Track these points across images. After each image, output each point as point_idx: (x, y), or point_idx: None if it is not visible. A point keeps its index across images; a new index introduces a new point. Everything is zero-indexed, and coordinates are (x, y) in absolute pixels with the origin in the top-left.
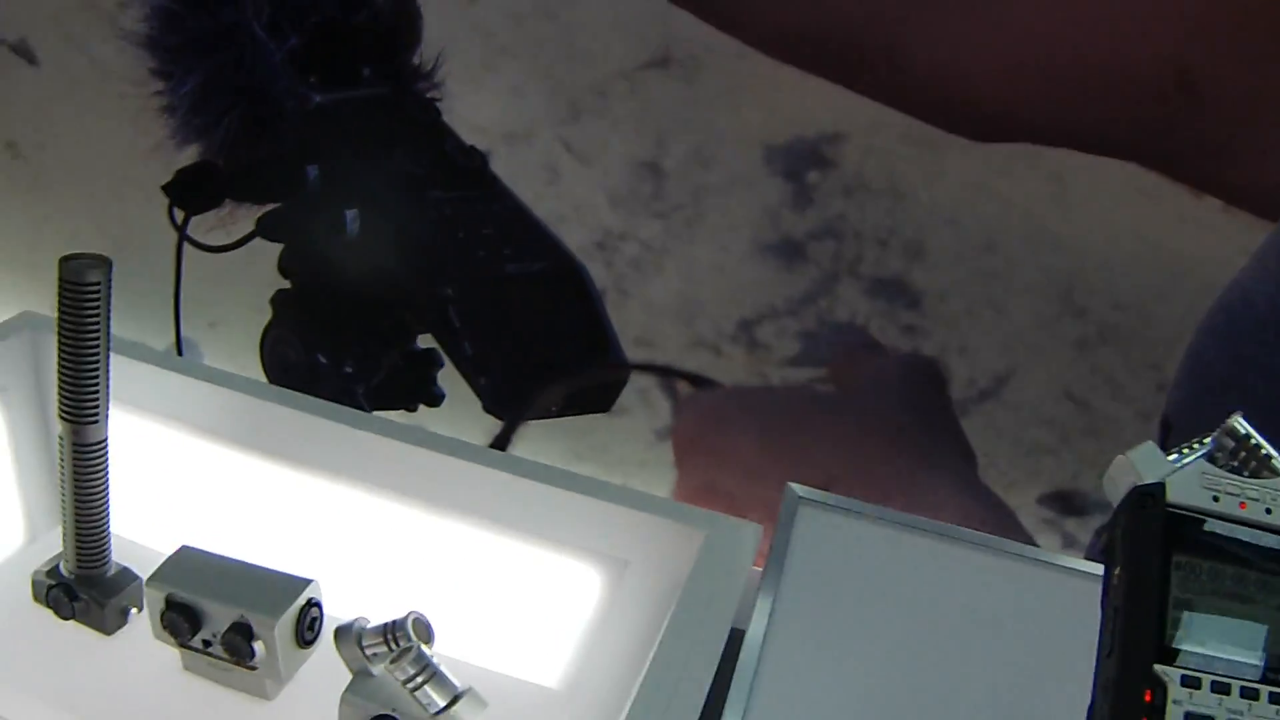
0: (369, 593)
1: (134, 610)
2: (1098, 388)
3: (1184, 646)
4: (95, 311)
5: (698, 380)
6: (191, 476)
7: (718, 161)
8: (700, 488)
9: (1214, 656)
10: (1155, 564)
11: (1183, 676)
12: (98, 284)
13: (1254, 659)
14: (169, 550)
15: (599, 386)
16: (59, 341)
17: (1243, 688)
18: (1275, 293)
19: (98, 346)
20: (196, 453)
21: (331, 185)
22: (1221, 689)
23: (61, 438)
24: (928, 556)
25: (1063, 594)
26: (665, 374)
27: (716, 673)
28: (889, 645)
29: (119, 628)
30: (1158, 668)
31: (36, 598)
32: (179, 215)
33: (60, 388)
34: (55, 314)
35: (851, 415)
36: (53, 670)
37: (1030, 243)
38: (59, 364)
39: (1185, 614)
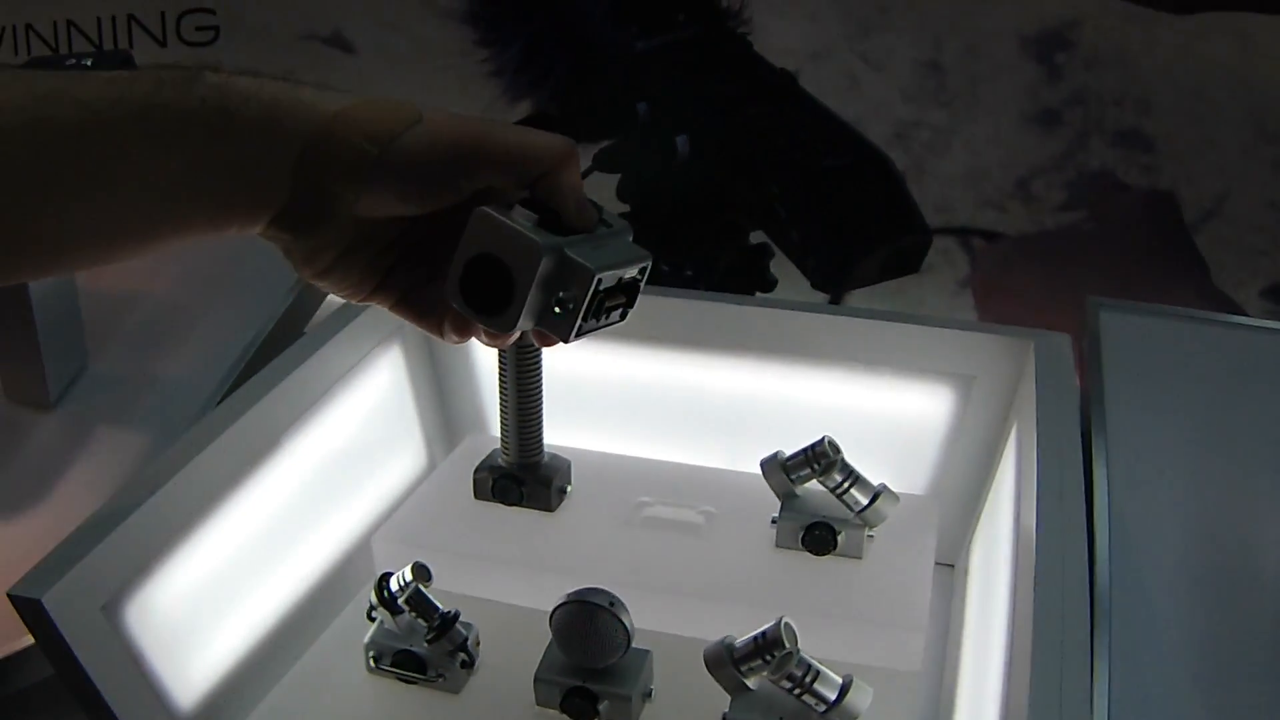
0: (762, 434)
1: (568, 487)
2: None
3: None
4: None
5: (989, 234)
6: (585, 373)
7: (984, 54)
8: (998, 322)
9: None
10: None
11: None
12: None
13: None
14: (576, 443)
15: (908, 252)
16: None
17: None
18: None
19: None
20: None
21: (660, 117)
22: None
23: (504, 349)
24: (1215, 343)
25: None
26: (961, 233)
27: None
28: (1202, 418)
29: (560, 505)
30: None
31: (479, 494)
32: None
33: None
34: None
35: (1111, 245)
36: (512, 546)
37: (1228, 89)
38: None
39: None
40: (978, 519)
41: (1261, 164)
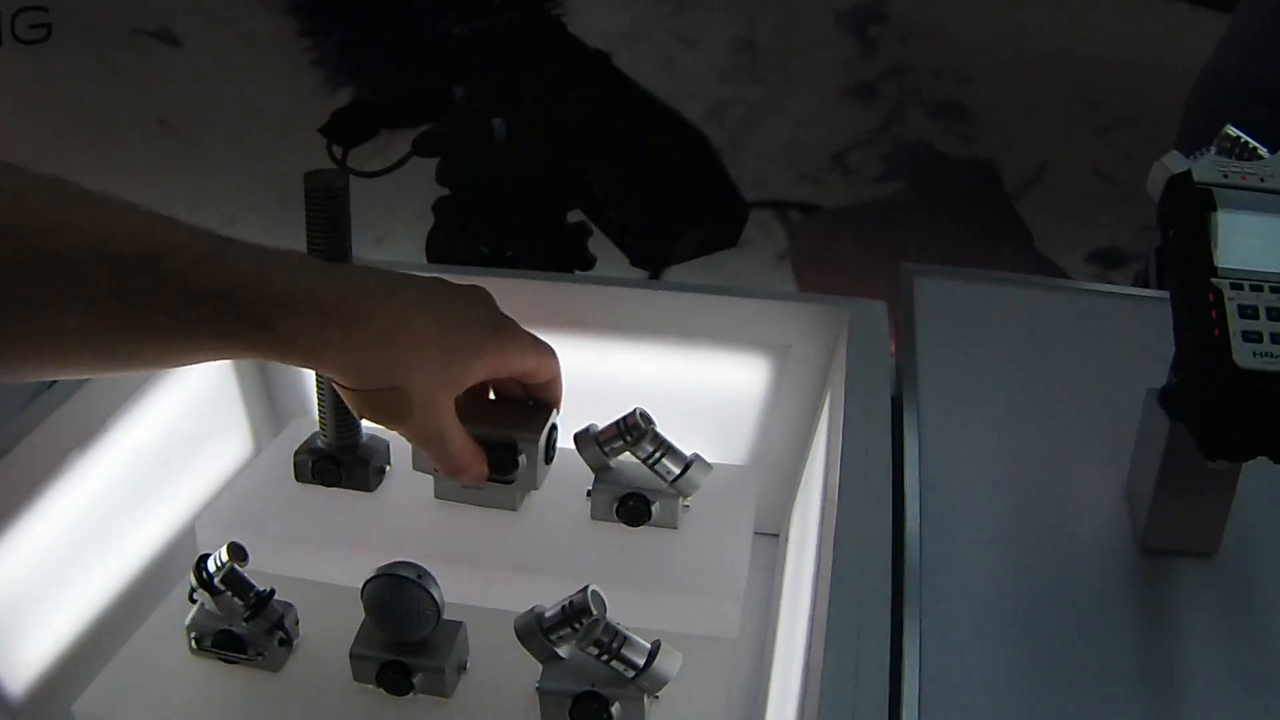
0: (584, 410)
1: (387, 467)
2: (1118, 163)
3: (1226, 265)
4: (342, 213)
5: (806, 207)
6: None
7: (798, 29)
8: (818, 292)
9: (1248, 269)
10: (1195, 217)
11: (1230, 282)
12: (341, 189)
13: (1270, 267)
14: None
15: (726, 226)
16: (310, 241)
17: (1271, 285)
18: (1240, 64)
19: (345, 242)
20: None
21: (478, 101)
22: (1257, 288)
23: None
24: (1028, 306)
25: (1138, 314)
26: (779, 206)
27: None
28: (1014, 380)
29: (378, 485)
30: (1213, 280)
31: (300, 477)
32: (338, 151)
33: None
34: (305, 221)
35: (930, 216)
36: (331, 528)
37: (1047, 57)
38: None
39: (1221, 248)
40: (798, 488)
41: (1084, 131)
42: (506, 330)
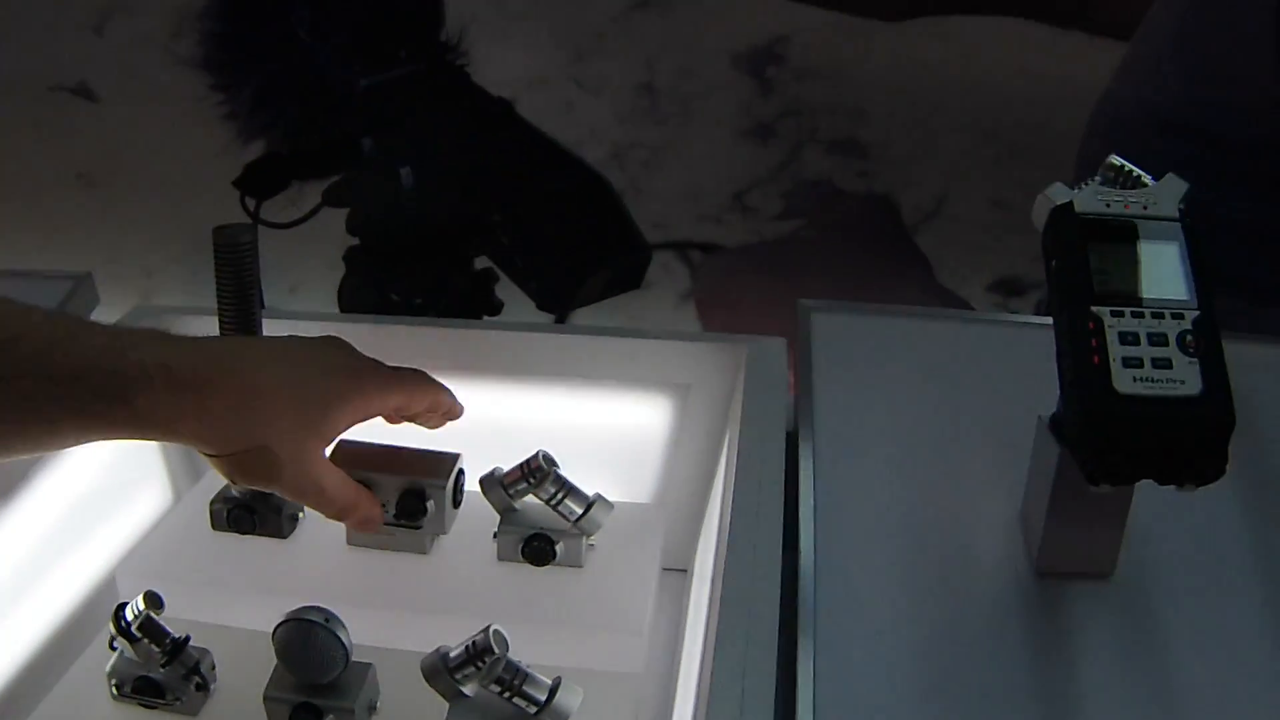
0: (492, 453)
1: (300, 515)
2: (1016, 193)
3: (1106, 292)
4: (250, 265)
5: (707, 247)
6: None
7: (697, 73)
8: (722, 331)
9: (1127, 293)
10: (1076, 247)
11: (1111, 311)
12: (249, 243)
13: (1149, 294)
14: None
15: (629, 269)
16: (220, 293)
17: (1152, 312)
18: (1136, 94)
19: (253, 294)
20: None
21: (385, 150)
22: (1137, 314)
23: None
24: (925, 337)
25: (1037, 342)
26: (680, 247)
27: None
28: (912, 411)
29: (292, 531)
30: (1093, 308)
31: (216, 525)
32: (251, 203)
33: (223, 331)
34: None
35: (830, 250)
36: (247, 574)
37: (944, 92)
38: (221, 313)
39: (1102, 276)
40: (703, 524)
41: (981, 162)
42: (364, 373)
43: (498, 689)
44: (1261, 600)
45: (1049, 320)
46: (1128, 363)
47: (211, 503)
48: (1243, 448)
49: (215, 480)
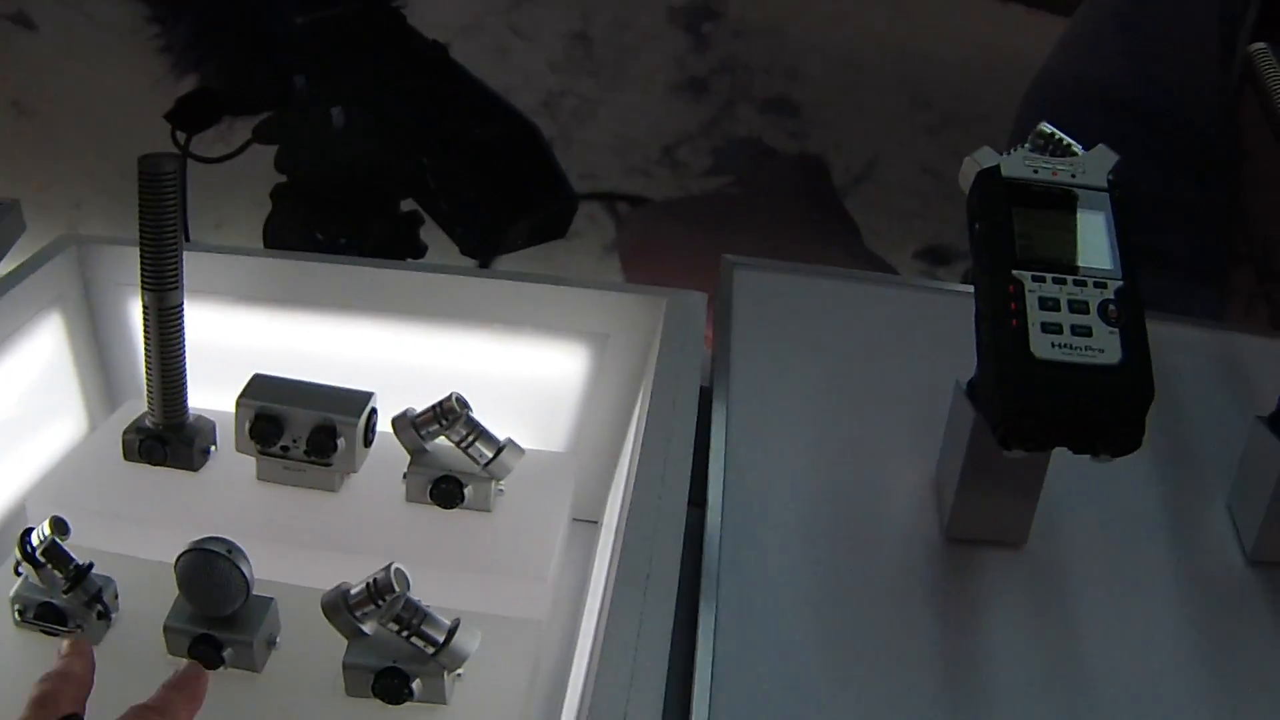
0: (407, 395)
1: (213, 448)
2: (948, 161)
3: (1028, 257)
4: (172, 196)
5: (634, 199)
6: (228, 337)
7: (633, 25)
8: (646, 284)
9: (1050, 259)
10: (1001, 211)
11: (1032, 276)
12: (172, 173)
13: (1073, 262)
14: (222, 405)
15: (555, 217)
16: (141, 224)
17: (1075, 279)
18: (1077, 70)
19: (175, 225)
20: (226, 316)
21: (317, 89)
22: (1059, 281)
23: (146, 307)
24: (846, 297)
25: (962, 310)
26: (607, 198)
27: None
28: (830, 373)
29: (203, 464)
30: (1014, 272)
31: (128, 455)
32: (181, 137)
33: (143, 262)
34: (137, 203)
35: (758, 209)
36: (155, 505)
37: (881, 56)
38: (141, 243)
39: (1025, 241)
40: (615, 476)
41: (914, 129)
42: None
43: (396, 627)
44: (1172, 577)
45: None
46: (1046, 328)
47: (125, 433)
48: (1163, 425)
49: (131, 410)
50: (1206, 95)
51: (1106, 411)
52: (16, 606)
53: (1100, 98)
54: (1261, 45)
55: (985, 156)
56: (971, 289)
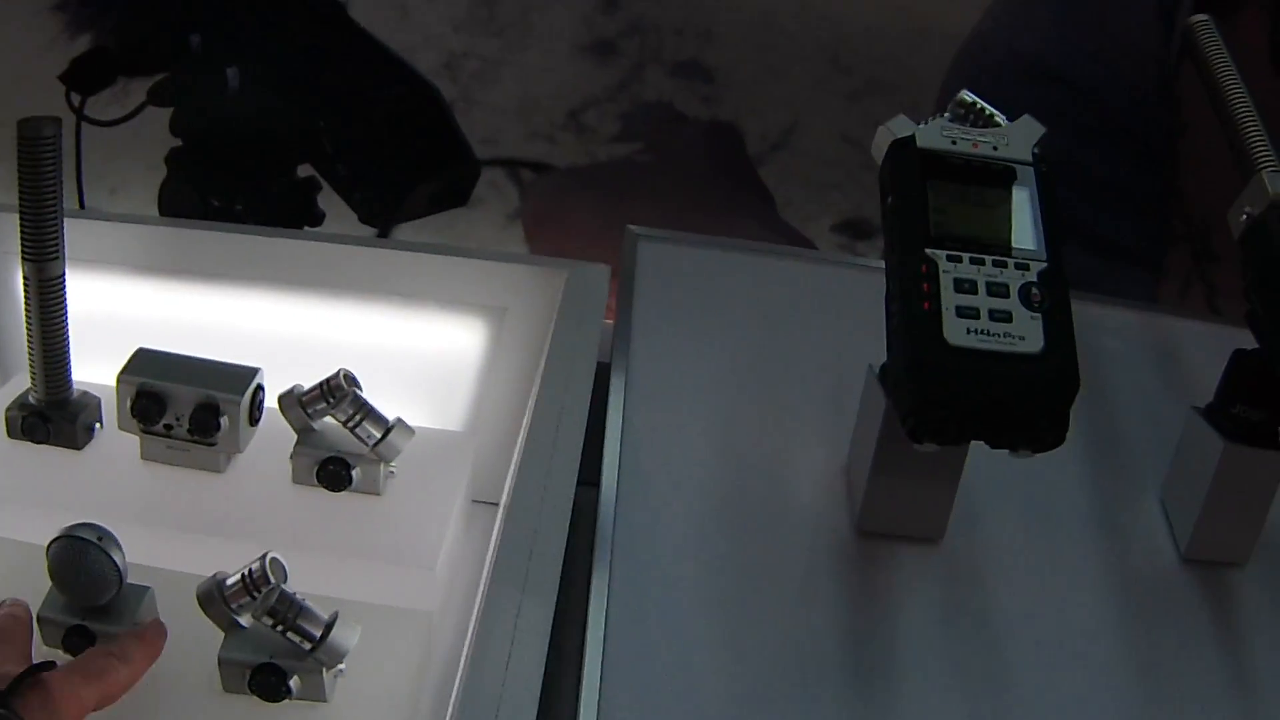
0: (298, 372)
1: (98, 425)
2: (869, 131)
3: (944, 235)
4: (51, 162)
5: (538, 166)
6: (118, 308)
7: None
8: (549, 255)
9: (967, 238)
10: (915, 184)
11: (947, 255)
12: (52, 137)
13: (993, 241)
14: (106, 379)
15: (456, 184)
16: (20, 191)
17: (994, 260)
18: (1008, 38)
19: (54, 193)
20: (115, 286)
21: (212, 49)
22: (977, 261)
23: (26, 278)
24: (757, 271)
25: (872, 285)
26: (510, 165)
27: (591, 401)
28: (738, 351)
29: (87, 443)
30: (928, 250)
31: (10, 433)
32: (76, 99)
33: (23, 231)
34: (15, 168)
35: (668, 177)
36: (37, 485)
37: (799, 18)
38: (20, 211)
39: (940, 217)
40: (514, 455)
41: (834, 96)
42: None
43: (270, 621)
44: (1100, 575)
45: None
46: (962, 312)
47: (6, 409)
48: (1089, 414)
49: (15, 387)
50: (1145, 68)
51: (1026, 404)
52: None
53: (1031, 68)
54: (1203, 17)
55: (900, 126)
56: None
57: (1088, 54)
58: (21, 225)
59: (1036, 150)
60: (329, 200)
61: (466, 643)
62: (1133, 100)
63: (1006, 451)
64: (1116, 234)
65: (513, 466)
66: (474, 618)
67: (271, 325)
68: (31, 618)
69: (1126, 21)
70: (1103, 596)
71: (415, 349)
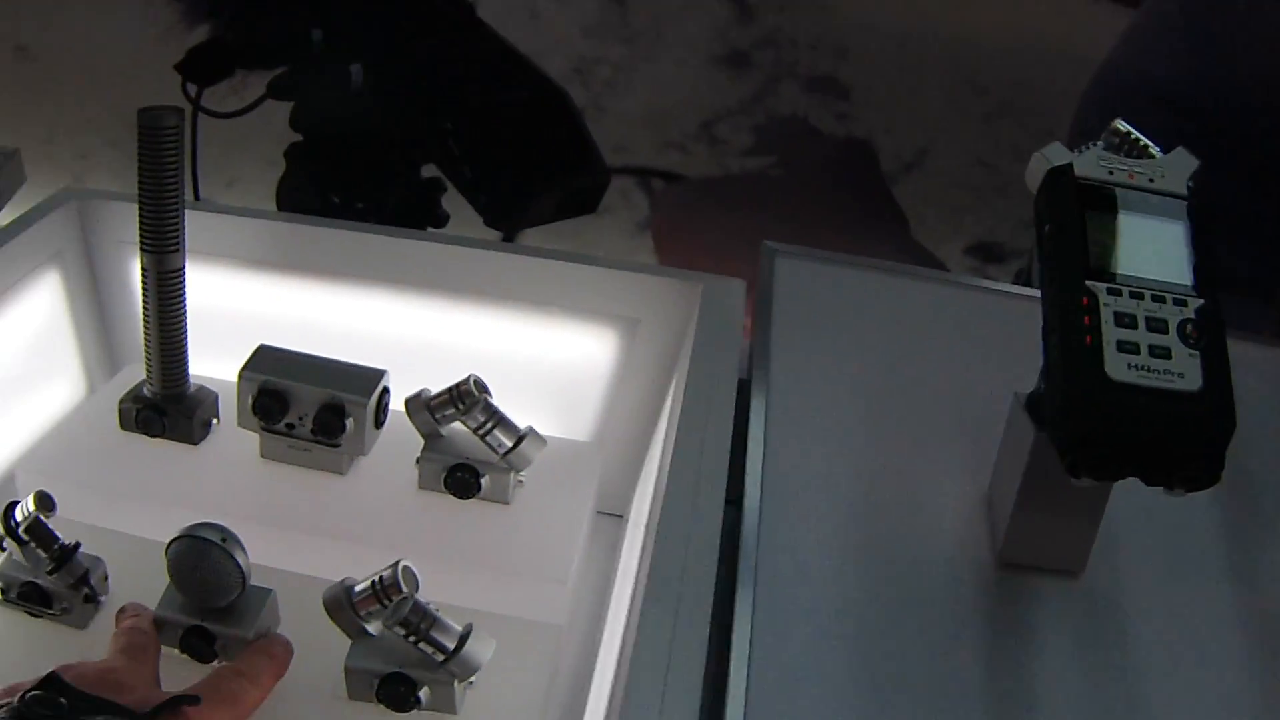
0: (422, 375)
1: (215, 421)
2: (1003, 153)
3: (1103, 267)
4: (173, 152)
5: (669, 176)
6: (235, 303)
7: None
8: (677, 265)
9: (1129, 275)
10: (1074, 213)
11: (1107, 288)
12: (174, 127)
13: (1150, 275)
14: (228, 375)
15: (585, 191)
16: (140, 182)
17: (1153, 294)
18: (1140, 65)
19: (176, 184)
20: (234, 281)
21: (336, 45)
22: (1137, 295)
23: (145, 269)
24: (892, 292)
25: (1015, 313)
26: (641, 174)
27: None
28: (875, 372)
29: (203, 438)
30: (1089, 283)
31: (125, 425)
32: (192, 89)
33: (142, 222)
34: (136, 159)
35: (801, 193)
36: (151, 480)
37: (935, 39)
38: (140, 201)
39: (1099, 249)
40: (644, 468)
41: (970, 118)
42: None
43: (402, 631)
44: (1234, 615)
45: (1031, 291)
46: (1123, 347)
47: (121, 401)
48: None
49: (130, 375)
50: (1275, 101)
51: (1185, 443)
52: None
53: (1161, 96)
54: None
55: (1056, 154)
56: (1024, 290)
57: (1218, 85)
58: (141, 217)
59: (1190, 184)
60: (453, 203)
61: (605, 660)
62: (1259, 133)
63: (1158, 489)
64: (1235, 267)
65: (650, 481)
66: (619, 635)
67: (391, 327)
68: (153, 625)
69: (1261, 55)
70: (1241, 638)
71: (543, 357)
